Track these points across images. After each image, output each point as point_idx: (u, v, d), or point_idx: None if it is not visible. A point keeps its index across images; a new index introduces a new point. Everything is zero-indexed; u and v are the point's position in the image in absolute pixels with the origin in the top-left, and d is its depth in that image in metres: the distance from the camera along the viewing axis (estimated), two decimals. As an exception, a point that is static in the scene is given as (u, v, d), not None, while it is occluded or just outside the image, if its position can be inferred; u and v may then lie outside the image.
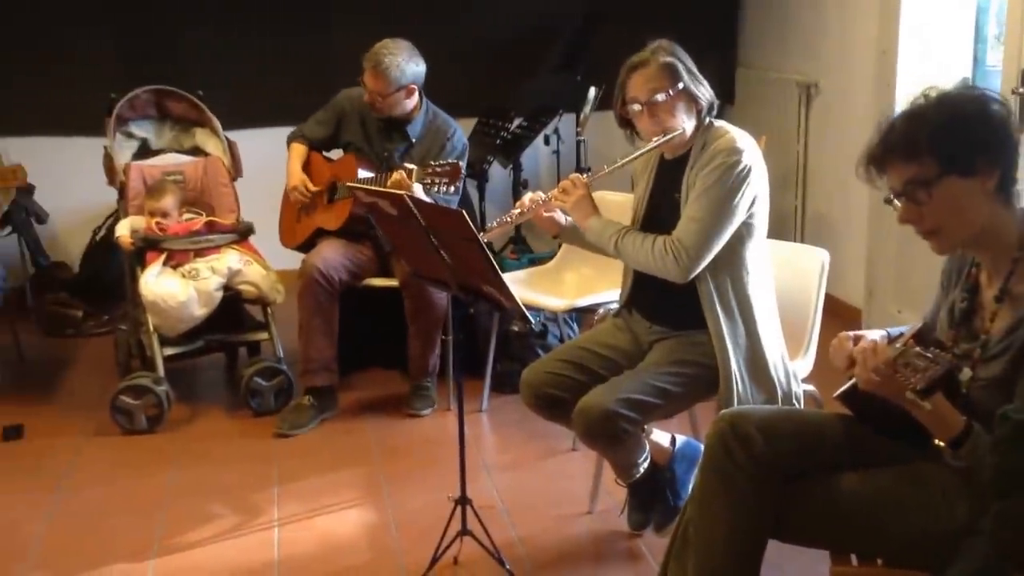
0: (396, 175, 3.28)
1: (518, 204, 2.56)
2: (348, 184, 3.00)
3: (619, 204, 3.16)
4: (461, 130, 3.68)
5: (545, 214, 2.56)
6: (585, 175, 2.56)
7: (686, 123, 2.42)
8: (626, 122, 2.50)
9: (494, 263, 2.19)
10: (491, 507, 2.86)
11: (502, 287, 2.20)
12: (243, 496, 3.04)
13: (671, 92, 2.39)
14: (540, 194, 2.57)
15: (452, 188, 3.22)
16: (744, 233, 2.41)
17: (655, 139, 2.43)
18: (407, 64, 3.47)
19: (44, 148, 4.65)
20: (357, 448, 3.36)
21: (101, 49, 4.76)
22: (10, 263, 4.01)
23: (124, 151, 3.85)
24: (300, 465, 3.23)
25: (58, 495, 3.05)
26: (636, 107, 2.42)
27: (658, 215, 2.51)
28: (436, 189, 3.25)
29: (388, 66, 3.44)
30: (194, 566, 2.66)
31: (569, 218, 2.58)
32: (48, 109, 4.71)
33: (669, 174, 2.51)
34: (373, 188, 2.55)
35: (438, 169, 3.23)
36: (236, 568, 2.66)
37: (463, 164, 3.32)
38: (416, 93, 3.57)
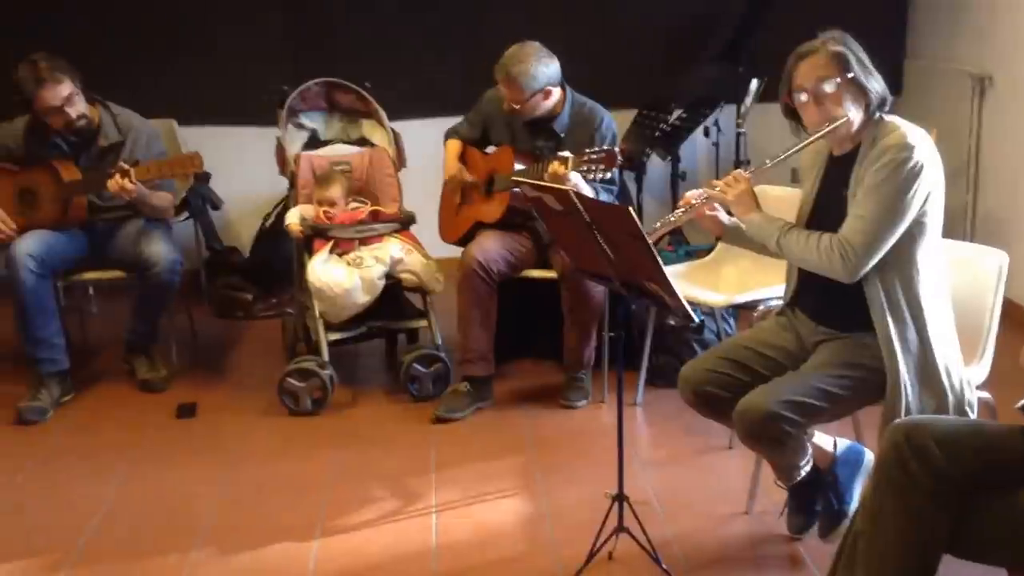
0: (553, 166, 3.29)
1: (682, 201, 2.52)
2: (513, 179, 3.04)
3: (780, 198, 3.07)
4: (610, 116, 3.65)
5: (708, 213, 2.51)
6: (747, 170, 2.50)
7: (853, 115, 2.32)
8: (792, 112, 2.43)
9: (659, 260, 2.16)
10: (645, 503, 2.83)
11: (667, 285, 2.17)
12: (402, 480, 3.12)
13: (839, 81, 2.31)
14: (703, 191, 2.52)
15: (609, 174, 3.24)
16: (915, 232, 2.30)
17: (819, 129, 2.34)
18: (537, 68, 3.46)
19: (219, 137, 4.86)
20: (511, 437, 3.40)
21: (275, 42, 4.96)
22: (186, 247, 4.23)
23: (295, 141, 4.00)
24: (456, 452, 3.29)
25: (228, 472, 3.20)
26: (802, 96, 2.35)
27: (825, 212, 2.43)
28: (593, 176, 3.26)
29: (518, 75, 3.44)
30: (355, 548, 2.74)
31: (732, 218, 2.53)
32: (224, 100, 4.94)
33: (837, 170, 2.42)
34: (539, 183, 2.56)
35: (593, 156, 3.24)
36: (395, 552, 2.72)
37: (617, 150, 3.30)
38: (554, 92, 3.55)
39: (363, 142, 4.08)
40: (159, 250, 3.67)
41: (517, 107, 3.53)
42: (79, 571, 2.65)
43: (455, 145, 3.84)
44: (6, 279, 3.59)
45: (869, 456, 2.64)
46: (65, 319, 3.81)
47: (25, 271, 3.53)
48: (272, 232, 4.82)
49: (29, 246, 3.57)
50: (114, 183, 3.51)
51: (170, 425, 3.56)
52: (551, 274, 3.63)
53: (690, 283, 3.44)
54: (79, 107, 3.61)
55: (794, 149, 2.42)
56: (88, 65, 3.70)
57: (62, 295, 3.93)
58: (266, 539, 2.79)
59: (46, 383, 3.65)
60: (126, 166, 3.54)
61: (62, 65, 3.55)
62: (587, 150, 3.27)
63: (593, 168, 3.23)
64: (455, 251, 3.77)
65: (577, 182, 3.27)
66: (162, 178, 3.67)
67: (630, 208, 2.15)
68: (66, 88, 3.54)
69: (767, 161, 2.43)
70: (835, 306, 2.40)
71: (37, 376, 3.66)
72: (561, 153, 3.32)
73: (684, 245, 4.63)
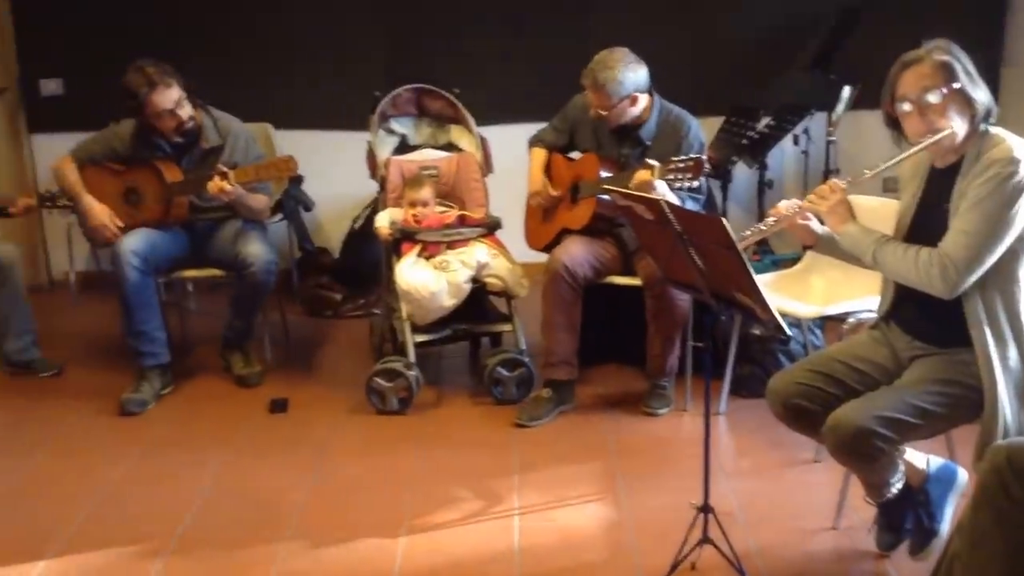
0: (639, 174, 3.30)
1: (772, 211, 2.50)
2: (604, 187, 3.04)
3: (873, 209, 3.02)
4: (697, 124, 3.63)
5: (800, 222, 2.49)
6: (842, 179, 2.47)
7: (958, 126, 2.28)
8: (893, 122, 2.39)
9: (751, 272, 2.16)
10: (729, 514, 2.82)
11: (759, 297, 2.16)
12: (485, 481, 3.16)
13: (944, 91, 2.26)
14: (795, 201, 2.50)
15: (696, 182, 3.24)
16: (1019, 248, 2.25)
17: (922, 140, 2.30)
18: (624, 74, 3.46)
19: (312, 141, 5.01)
20: (593, 443, 3.41)
21: (366, 49, 5.08)
22: (279, 248, 4.34)
23: (385, 146, 4.09)
24: (539, 455, 3.32)
25: (317, 467, 3.28)
26: (906, 106, 2.31)
27: (925, 225, 2.38)
28: (680, 185, 3.25)
29: (605, 81, 3.45)
30: (439, 547, 2.79)
31: (825, 227, 2.50)
32: (317, 105, 5.09)
33: (939, 183, 2.38)
34: (630, 192, 2.58)
35: (680, 165, 3.23)
36: (479, 553, 2.76)
37: (704, 158, 3.29)
38: (641, 99, 3.54)
39: (451, 147, 4.14)
40: (256, 250, 3.78)
41: (604, 113, 3.53)
42: (177, 559, 2.75)
43: (540, 155, 3.87)
44: (112, 275, 3.75)
45: (962, 475, 2.59)
46: (166, 315, 3.96)
47: (129, 268, 3.68)
48: (361, 234, 4.93)
49: (133, 244, 3.72)
50: (214, 185, 3.64)
51: (263, 419, 3.67)
52: (635, 281, 3.63)
53: (777, 293, 3.40)
54: (187, 109, 3.75)
55: (895, 160, 2.38)
56: (189, 71, 3.84)
57: (163, 292, 4.08)
58: (354, 534, 2.85)
59: (147, 376, 3.80)
60: (225, 169, 3.66)
61: (169, 70, 3.69)
62: (673, 158, 3.27)
63: (679, 177, 3.23)
64: (540, 256, 3.81)
65: (663, 191, 3.27)
66: (259, 181, 3.79)
67: (723, 219, 2.15)
68: (176, 92, 3.69)
69: (866, 171, 2.39)
70: (932, 321, 2.36)
71: (139, 369, 3.81)
72: (648, 161, 3.33)
73: (770, 254, 4.59)
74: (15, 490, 3.17)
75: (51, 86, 5.18)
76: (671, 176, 3.24)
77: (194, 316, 4.77)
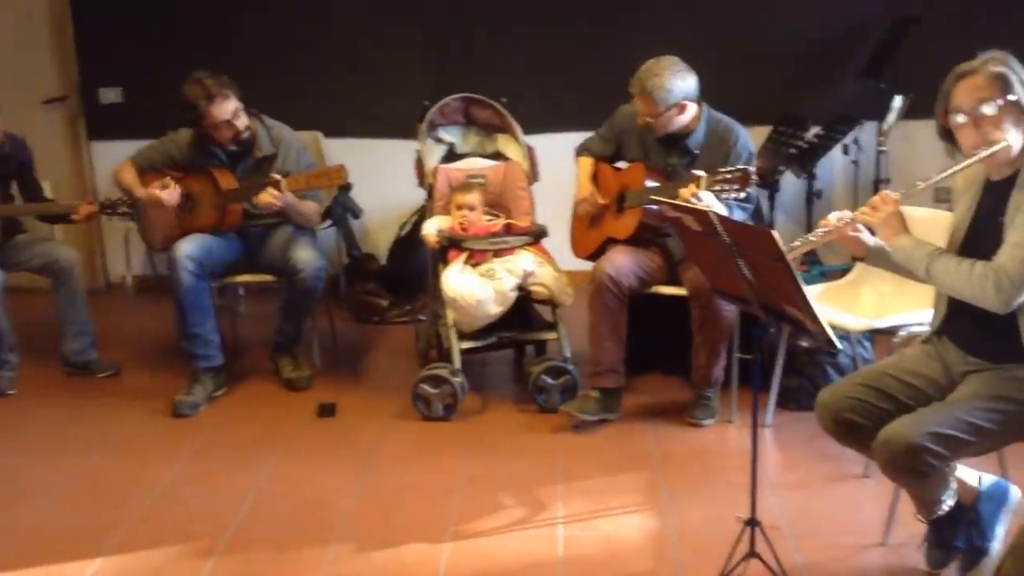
0: (685, 190, 3.29)
1: (823, 222, 2.49)
2: (652, 198, 3.05)
3: (925, 220, 2.99)
4: (746, 134, 3.62)
5: (851, 234, 2.47)
6: (894, 191, 2.45)
7: (1013, 139, 2.26)
8: (947, 133, 2.37)
9: (802, 285, 2.15)
10: (776, 528, 2.80)
11: (809, 310, 2.16)
12: (529, 489, 3.17)
13: (999, 103, 2.24)
14: (847, 213, 2.48)
15: (743, 193, 3.23)
16: (1075, 263, 2.22)
17: (976, 153, 2.28)
18: (672, 82, 3.45)
19: (360, 149, 5.07)
20: (638, 452, 3.41)
21: (414, 60, 5.14)
22: (328, 254, 4.40)
23: (433, 154, 4.13)
24: (583, 464, 3.33)
25: (364, 471, 3.32)
26: (960, 118, 2.29)
27: (979, 239, 2.36)
28: (726, 196, 3.25)
29: (653, 88, 3.44)
30: (484, 554, 2.81)
31: (876, 239, 2.48)
32: (365, 114, 5.15)
33: (994, 196, 2.36)
34: (678, 203, 2.58)
35: (728, 176, 3.23)
36: (523, 561, 2.77)
37: (752, 169, 3.28)
38: (689, 107, 3.53)
39: (498, 156, 4.16)
40: (306, 256, 3.84)
41: (651, 121, 3.53)
42: (227, 558, 2.80)
43: (587, 163, 3.88)
44: (167, 279, 3.84)
45: (1015, 493, 2.55)
46: (218, 318, 4.03)
47: (185, 272, 3.76)
48: (407, 241, 4.98)
49: (189, 249, 3.80)
50: (266, 193, 3.71)
51: (311, 423, 3.73)
52: (681, 291, 3.62)
53: (826, 305, 3.38)
54: (244, 120, 3.82)
55: (948, 172, 2.35)
56: (243, 81, 3.91)
57: (215, 295, 4.14)
58: (400, 538, 2.88)
59: (200, 378, 3.87)
60: (278, 177, 3.73)
61: (225, 81, 3.77)
62: (720, 169, 3.26)
63: (726, 188, 3.22)
64: (585, 264, 3.82)
65: (709, 202, 3.26)
66: (310, 189, 3.85)
67: (773, 231, 2.15)
68: (232, 103, 3.76)
69: (918, 183, 2.37)
70: (986, 336, 2.34)
71: (192, 371, 3.89)
72: (694, 172, 3.32)
73: (819, 265, 4.56)
74: (73, 488, 3.25)
75: (110, 95, 5.32)
76: (718, 187, 3.24)
77: (244, 319, 4.85)
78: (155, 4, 5.16)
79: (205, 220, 3.92)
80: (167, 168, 3.96)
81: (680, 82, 3.47)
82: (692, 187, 3.26)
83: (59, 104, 5.29)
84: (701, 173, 3.28)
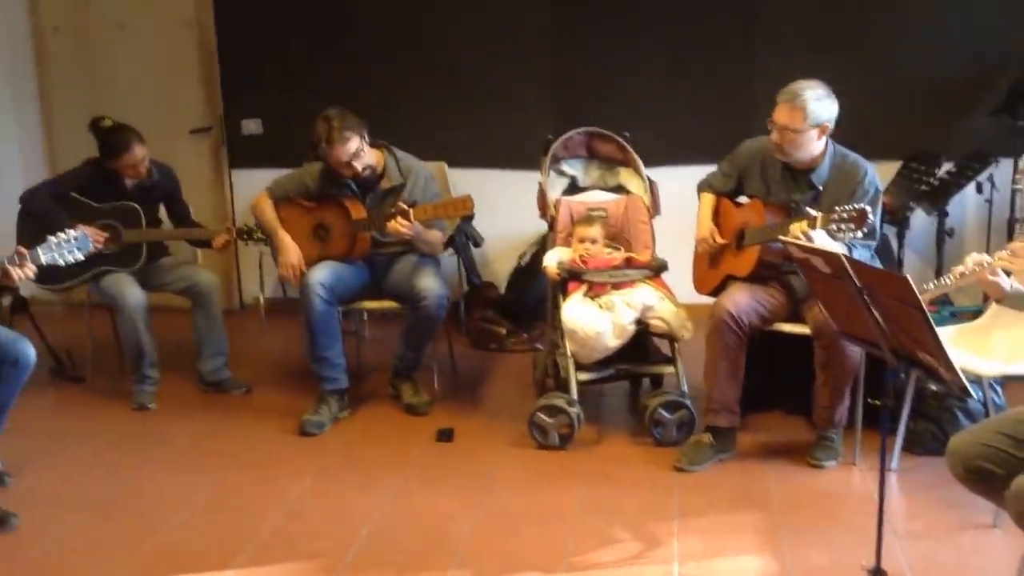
0: (800, 225, 3.26)
1: (960, 265, 2.44)
2: (780, 239, 3.01)
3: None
4: (874, 170, 3.54)
5: (990, 278, 2.41)
6: (1032, 235, 2.38)
7: None
8: None
9: (937, 332, 2.11)
10: (900, 577, 2.74)
11: (944, 358, 2.11)
12: (644, 523, 3.17)
13: None
14: (985, 256, 2.42)
15: (860, 233, 3.18)
16: None
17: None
18: (824, 100, 3.42)
19: (483, 179, 5.20)
20: (756, 492, 3.37)
21: (536, 92, 5.24)
22: (448, 281, 4.50)
23: (556, 187, 4.19)
24: (699, 501, 3.31)
25: (481, 497, 3.37)
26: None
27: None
28: (843, 235, 3.20)
29: (807, 100, 3.40)
30: (598, 586, 2.83)
31: (1015, 283, 2.42)
32: (488, 145, 5.29)
33: None
34: (807, 245, 2.57)
35: (843, 215, 3.18)
36: (639, 597, 2.78)
37: (872, 208, 3.21)
38: (826, 136, 3.49)
39: (619, 189, 4.19)
40: (430, 284, 3.95)
41: (787, 138, 3.45)
42: (350, 577, 2.90)
43: (708, 200, 3.87)
44: (298, 303, 4.00)
45: None
46: (344, 343, 4.18)
47: (316, 298, 3.91)
48: (527, 271, 5.05)
49: (321, 275, 3.95)
50: (393, 225, 3.84)
51: (430, 448, 3.81)
52: (804, 330, 3.57)
53: (957, 348, 3.28)
54: (365, 160, 3.95)
55: None
56: (373, 113, 4.07)
57: (341, 320, 4.30)
58: (516, 567, 2.92)
59: (327, 400, 4.02)
60: (405, 207, 3.85)
61: (351, 122, 3.88)
62: (837, 207, 3.22)
63: (843, 228, 3.17)
64: (705, 297, 3.81)
65: (821, 240, 3.21)
66: (436, 219, 3.96)
67: (908, 277, 2.12)
68: (353, 144, 3.89)
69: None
70: None
71: (320, 392, 4.04)
72: (809, 211, 3.28)
73: (949, 306, 4.42)
74: (208, 502, 3.41)
75: (251, 126, 5.61)
76: (834, 226, 3.19)
77: (367, 344, 5.00)
78: (294, 41, 5.44)
79: (336, 248, 4.07)
80: (301, 198, 4.14)
81: (830, 103, 3.44)
82: (803, 224, 3.22)
83: (205, 134, 5.61)
84: (815, 213, 3.24)
